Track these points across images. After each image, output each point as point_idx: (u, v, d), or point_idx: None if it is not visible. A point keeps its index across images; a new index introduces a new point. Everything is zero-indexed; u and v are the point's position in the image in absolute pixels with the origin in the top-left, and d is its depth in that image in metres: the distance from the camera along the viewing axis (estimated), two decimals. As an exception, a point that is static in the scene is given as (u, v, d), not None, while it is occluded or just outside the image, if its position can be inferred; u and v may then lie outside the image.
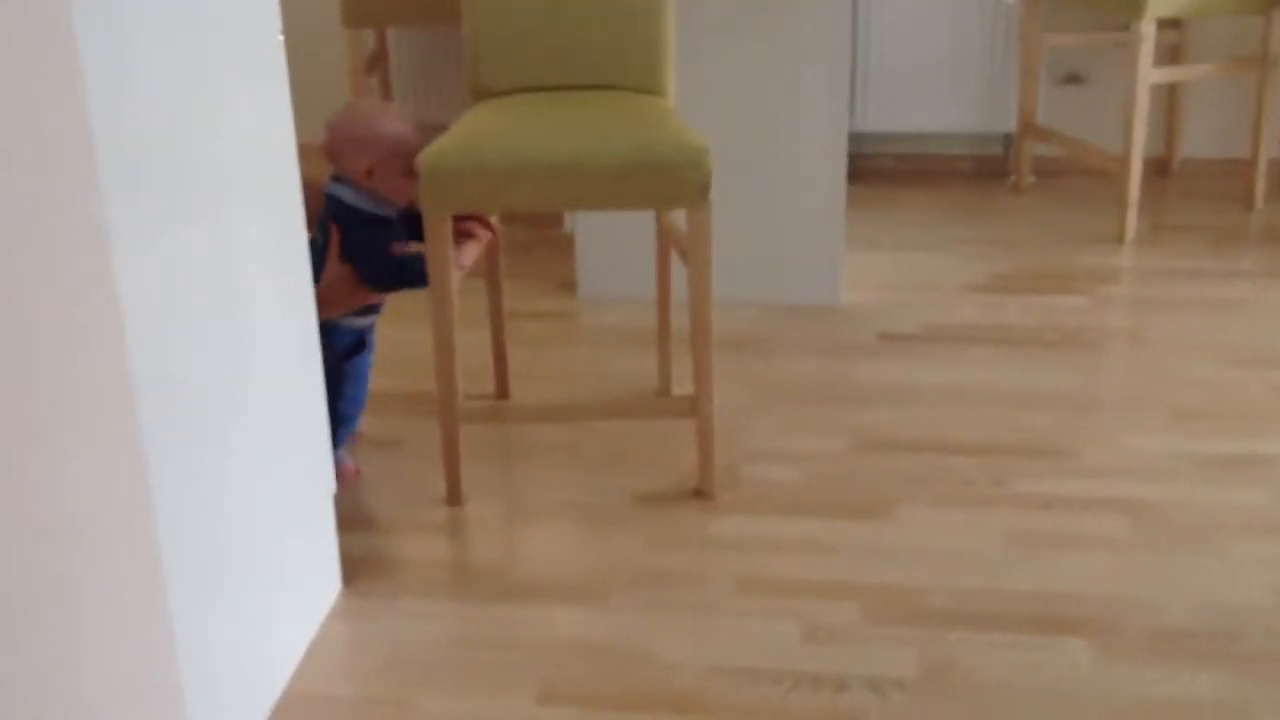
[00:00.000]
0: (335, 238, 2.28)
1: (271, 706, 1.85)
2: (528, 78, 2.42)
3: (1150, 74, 3.29)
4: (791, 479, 2.39)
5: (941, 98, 3.87)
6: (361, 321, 2.38)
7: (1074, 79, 3.90)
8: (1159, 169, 3.88)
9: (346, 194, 2.28)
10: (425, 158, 2.15)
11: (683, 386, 2.69)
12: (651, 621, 2.02)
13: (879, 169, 4.04)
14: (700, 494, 2.34)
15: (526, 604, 2.07)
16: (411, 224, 2.32)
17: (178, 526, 1.57)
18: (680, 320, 2.84)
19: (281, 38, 1.84)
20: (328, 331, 2.24)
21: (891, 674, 1.89)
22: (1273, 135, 3.62)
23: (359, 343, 2.38)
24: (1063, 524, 2.24)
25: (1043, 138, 3.72)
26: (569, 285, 3.21)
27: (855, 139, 3.72)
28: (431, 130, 4.22)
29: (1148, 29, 3.23)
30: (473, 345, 2.96)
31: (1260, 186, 3.59)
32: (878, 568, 2.14)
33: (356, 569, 2.15)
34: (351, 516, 2.28)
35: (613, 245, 3.11)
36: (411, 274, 2.27)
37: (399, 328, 3.05)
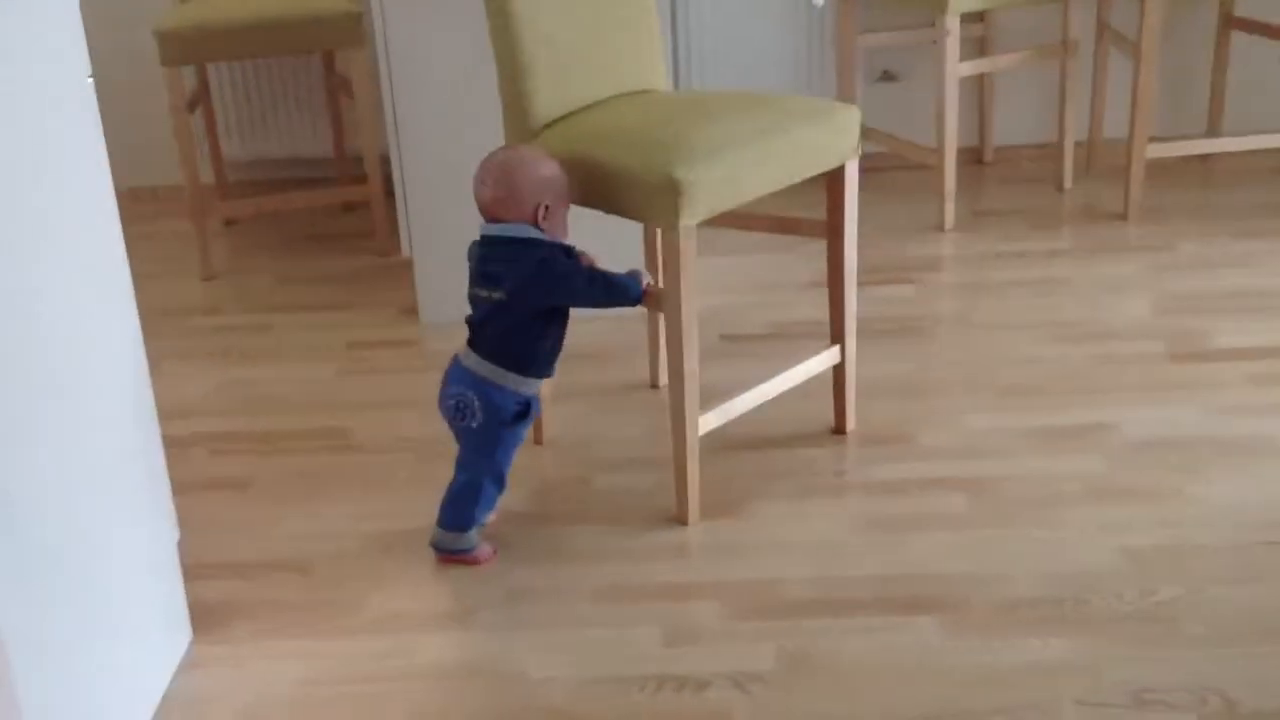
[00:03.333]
0: None
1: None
2: (581, 98, 2.40)
3: (958, 67, 3.42)
4: (644, 486, 2.42)
5: (764, 102, 3.94)
6: (529, 388, 2.22)
7: (889, 77, 4.02)
8: (974, 158, 4.02)
9: (522, 229, 2.16)
10: (684, 174, 2.14)
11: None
12: (516, 639, 2.03)
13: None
14: (838, 431, 2.57)
15: (388, 634, 2.06)
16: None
17: (9, 586, 1.53)
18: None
19: (91, 80, 1.81)
20: (493, 395, 2.17)
21: (752, 668, 1.92)
22: (1077, 119, 3.78)
23: (525, 408, 2.21)
24: (908, 506, 2.31)
25: (863, 135, 3.82)
26: (411, 311, 3.20)
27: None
28: (267, 165, 4.16)
29: (953, 24, 3.35)
30: (318, 379, 2.93)
31: (1069, 168, 3.75)
32: (733, 565, 2.18)
33: (209, 616, 2.11)
34: (200, 563, 2.24)
35: (452, 269, 3.09)
36: (623, 290, 2.20)
37: (245, 368, 3.01)
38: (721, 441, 2.54)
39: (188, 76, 3.67)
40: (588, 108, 2.40)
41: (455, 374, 2.20)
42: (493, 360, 2.17)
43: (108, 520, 1.81)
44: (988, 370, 2.77)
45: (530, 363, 2.19)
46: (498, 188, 2.16)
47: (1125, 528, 2.21)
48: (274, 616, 2.12)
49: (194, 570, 2.16)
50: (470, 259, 2.21)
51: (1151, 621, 1.98)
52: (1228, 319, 2.92)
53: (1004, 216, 3.60)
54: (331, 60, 3.86)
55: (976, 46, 3.89)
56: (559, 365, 2.26)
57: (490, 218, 2.18)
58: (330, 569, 2.24)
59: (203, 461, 2.61)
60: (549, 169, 2.19)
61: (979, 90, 3.96)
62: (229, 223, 3.90)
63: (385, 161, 3.49)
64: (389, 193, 3.52)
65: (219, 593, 2.18)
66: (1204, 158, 3.88)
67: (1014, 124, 4.04)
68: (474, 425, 2.18)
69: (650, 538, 2.26)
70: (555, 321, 2.21)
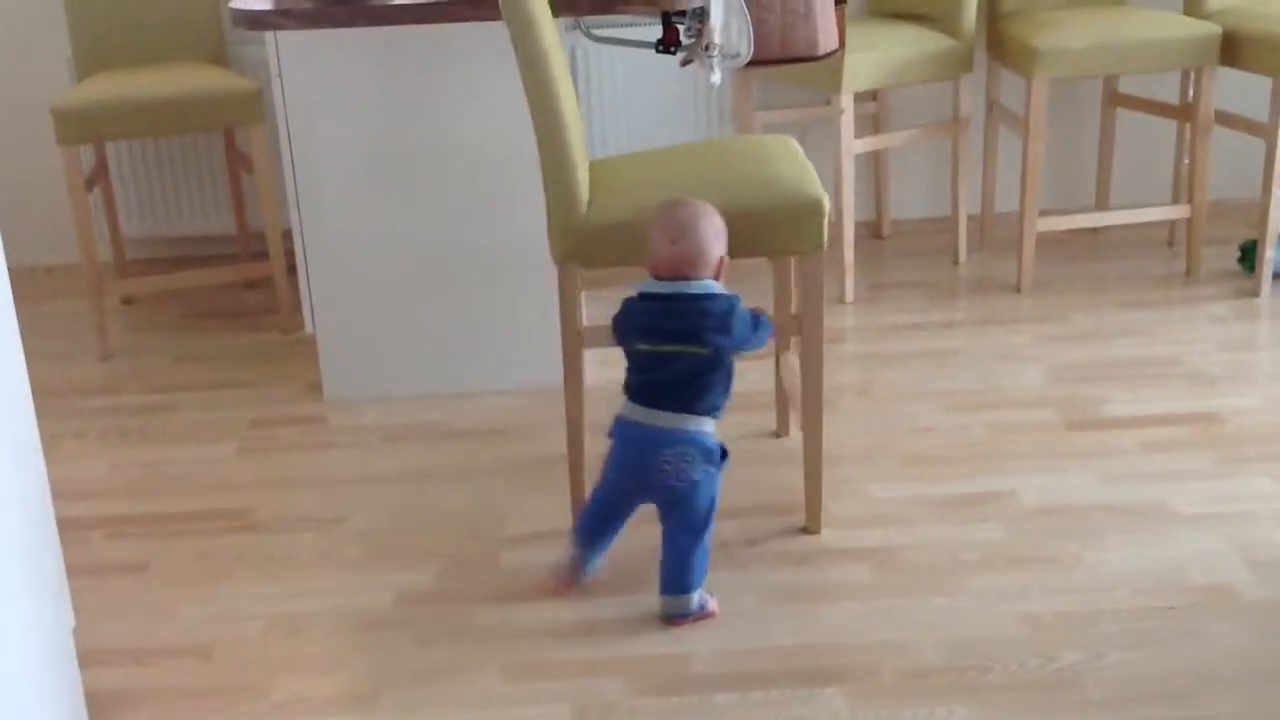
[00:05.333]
0: None
1: None
2: (584, 168, 2.42)
3: (853, 144, 3.49)
4: (554, 560, 2.41)
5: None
6: (716, 429, 2.23)
7: (788, 152, 4.09)
8: (873, 232, 4.10)
9: (707, 285, 2.17)
10: (821, 205, 2.30)
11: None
12: (423, 721, 2.01)
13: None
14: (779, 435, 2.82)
15: (293, 719, 2.02)
16: None
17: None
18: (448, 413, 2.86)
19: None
20: (706, 442, 2.17)
21: (664, 743, 1.92)
22: (970, 194, 3.88)
23: (723, 448, 2.22)
24: (814, 577, 2.33)
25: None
26: (314, 388, 3.17)
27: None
28: (167, 242, 4.11)
29: (847, 102, 3.43)
30: (219, 458, 2.89)
31: (963, 241, 3.84)
32: (642, 640, 2.18)
33: (106, 705, 2.05)
34: (97, 650, 2.18)
35: (356, 345, 3.09)
36: (768, 328, 2.26)
37: (143, 448, 2.96)
38: (635, 515, 2.54)
39: (86, 154, 3.63)
40: (596, 176, 2.47)
41: (654, 437, 2.18)
42: (692, 412, 2.17)
43: None
44: (889, 440, 2.82)
45: (721, 407, 2.21)
46: (688, 247, 2.16)
47: (1025, 595, 2.25)
48: (174, 703, 2.07)
49: (90, 657, 2.11)
50: (634, 315, 2.21)
51: (1053, 687, 2.01)
52: (1120, 387, 3.00)
53: (902, 289, 3.68)
54: (232, 137, 3.84)
55: (871, 123, 3.98)
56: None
57: (672, 275, 2.17)
58: (232, 653, 2.20)
59: (99, 545, 2.55)
60: (720, 220, 2.22)
61: (874, 166, 4.05)
62: (127, 301, 3.84)
63: (287, 237, 3.47)
64: (291, 269, 3.49)
65: (116, 680, 2.13)
66: (1093, 230, 4.00)
67: (909, 199, 4.14)
68: (697, 478, 2.17)
69: (559, 613, 2.25)
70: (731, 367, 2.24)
